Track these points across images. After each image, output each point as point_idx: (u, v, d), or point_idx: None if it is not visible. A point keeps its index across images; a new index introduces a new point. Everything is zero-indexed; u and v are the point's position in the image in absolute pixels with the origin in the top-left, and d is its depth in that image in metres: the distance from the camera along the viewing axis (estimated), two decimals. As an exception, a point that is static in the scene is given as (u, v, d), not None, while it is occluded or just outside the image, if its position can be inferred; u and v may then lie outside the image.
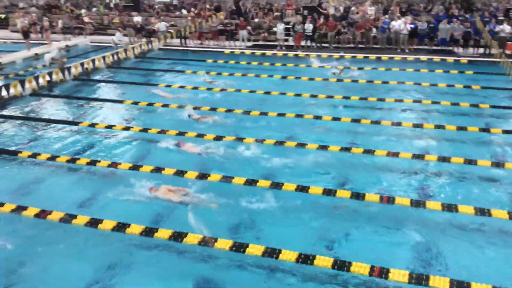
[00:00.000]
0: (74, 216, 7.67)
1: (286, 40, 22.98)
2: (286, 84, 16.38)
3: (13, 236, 7.41)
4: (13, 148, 10.84)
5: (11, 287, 6.28)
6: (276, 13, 26.25)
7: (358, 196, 8.25)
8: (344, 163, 9.95)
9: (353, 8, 24.72)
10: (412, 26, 21.29)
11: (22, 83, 14.88)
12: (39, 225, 7.68)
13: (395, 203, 8.02)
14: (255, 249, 6.66)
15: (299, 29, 22.39)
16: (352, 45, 22.47)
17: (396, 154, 10.00)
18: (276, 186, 8.61)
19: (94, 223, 7.50)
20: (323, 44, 22.51)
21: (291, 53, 21.33)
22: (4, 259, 6.88)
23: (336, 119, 12.47)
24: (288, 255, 6.50)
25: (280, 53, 21.50)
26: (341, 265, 6.28)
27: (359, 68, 18.20)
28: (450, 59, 19.79)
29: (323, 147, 10.43)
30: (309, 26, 22.24)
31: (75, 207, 8.19)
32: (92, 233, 7.37)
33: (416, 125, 11.93)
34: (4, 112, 13.81)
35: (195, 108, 13.40)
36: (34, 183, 9.28)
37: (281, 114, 12.85)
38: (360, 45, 22.29)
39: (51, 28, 25.22)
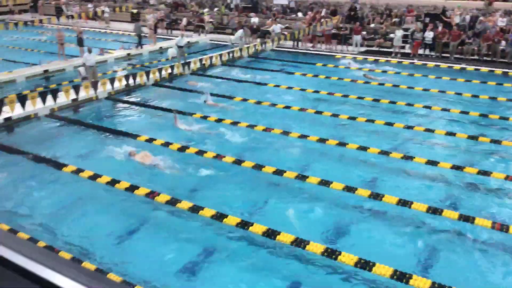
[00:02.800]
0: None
1: (403, 47, 22.03)
2: (397, 93, 15.72)
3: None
4: (133, 132, 11.91)
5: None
6: (394, 19, 25.28)
7: (467, 219, 7.65)
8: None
9: (481, 18, 22.82)
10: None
11: (147, 74, 16.25)
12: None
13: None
14: (347, 258, 6.52)
15: (418, 36, 21.31)
16: (476, 57, 20.77)
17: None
18: (376, 197, 8.33)
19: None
20: (443, 54, 21.14)
21: (406, 61, 20.39)
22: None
23: (451, 134, 11.66)
24: (383, 270, 6.27)
25: (394, 60, 20.67)
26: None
27: (482, 82, 16.79)
28: None
29: (433, 163, 9.84)
30: (429, 34, 21.04)
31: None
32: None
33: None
34: (129, 99, 15.28)
35: (301, 110, 13.52)
36: (149, 167, 10.09)
37: (389, 123, 12.37)
38: (485, 58, 20.52)
39: (175, 25, 27.13)
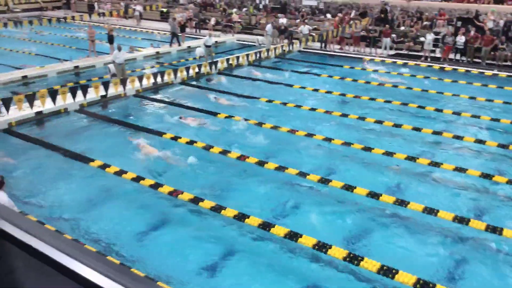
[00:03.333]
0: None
1: (433, 51, 21.59)
2: (426, 98, 15.42)
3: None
4: (158, 129, 12.06)
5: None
6: (425, 22, 24.81)
7: (495, 230, 7.44)
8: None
9: (516, 22, 22.15)
10: None
11: (175, 72, 16.43)
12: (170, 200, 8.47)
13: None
14: (369, 264, 6.44)
15: (449, 41, 20.85)
16: (509, 63, 20.17)
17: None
18: (401, 203, 8.19)
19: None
20: (474, 59, 20.62)
21: (436, 65, 19.98)
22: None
23: (480, 141, 11.38)
24: (406, 278, 6.15)
25: (424, 64, 20.28)
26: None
27: (515, 89, 16.34)
28: None
29: (461, 170, 9.61)
30: (461, 39, 20.56)
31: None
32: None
33: None
34: (156, 96, 15.50)
35: (326, 112, 13.44)
36: (173, 165, 10.20)
37: (416, 128, 12.14)
38: (519, 64, 19.91)
39: (204, 24, 27.32)
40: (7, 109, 11.98)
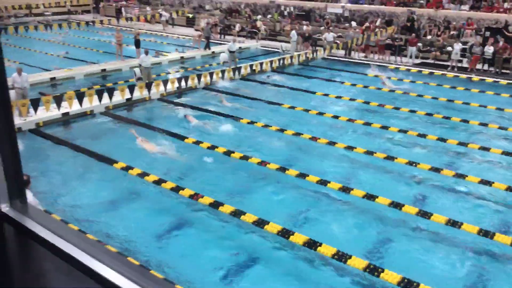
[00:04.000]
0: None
1: (460, 61, 21.22)
2: (452, 108, 15.14)
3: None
4: (180, 133, 12.17)
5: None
6: (452, 32, 24.43)
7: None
8: None
9: (548, 33, 21.58)
10: None
11: (199, 77, 16.58)
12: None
13: None
14: (390, 276, 6.32)
15: (477, 51, 20.45)
16: (540, 74, 19.66)
17: None
18: (424, 214, 8.04)
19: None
20: (503, 70, 20.17)
21: (463, 75, 19.62)
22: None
23: (508, 153, 11.08)
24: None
25: (451, 74, 19.95)
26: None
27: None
28: None
29: (487, 183, 9.38)
30: (489, 49, 20.14)
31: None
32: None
33: None
34: (180, 101, 15.66)
35: (349, 120, 13.33)
36: (194, 169, 10.26)
37: (441, 139, 11.93)
38: (550, 75, 19.37)
39: (229, 30, 27.54)
40: (35, 109, 12.30)
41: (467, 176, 9.65)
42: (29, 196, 6.80)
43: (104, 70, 19.19)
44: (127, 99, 14.55)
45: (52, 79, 17.54)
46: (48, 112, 12.73)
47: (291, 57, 21.41)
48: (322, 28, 26.52)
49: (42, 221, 1.26)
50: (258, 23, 29.09)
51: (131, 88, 14.30)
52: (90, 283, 1.05)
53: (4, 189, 1.28)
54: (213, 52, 23.83)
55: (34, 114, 12.43)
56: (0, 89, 1.21)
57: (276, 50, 24.77)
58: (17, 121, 12.12)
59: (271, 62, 20.13)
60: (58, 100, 12.65)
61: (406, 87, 17.88)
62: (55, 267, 1.13)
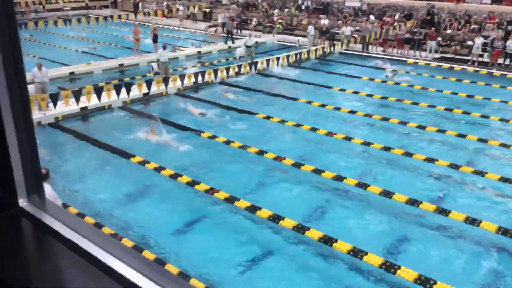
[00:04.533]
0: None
1: (481, 55, 20.78)
2: (472, 103, 14.86)
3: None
4: (197, 128, 12.21)
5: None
6: (473, 26, 23.93)
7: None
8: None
9: None
10: None
11: (215, 72, 16.60)
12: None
13: None
14: (406, 273, 6.26)
15: (498, 45, 20.00)
16: None
17: None
18: (442, 212, 7.92)
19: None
20: (526, 65, 19.70)
21: (484, 70, 19.22)
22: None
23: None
24: (444, 289, 5.95)
25: (471, 69, 19.56)
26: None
27: None
28: None
29: (507, 180, 9.19)
30: (511, 43, 19.68)
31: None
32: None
33: None
34: (196, 95, 15.71)
35: (366, 115, 13.21)
36: (210, 163, 10.29)
37: (461, 135, 11.73)
38: None
39: (245, 25, 27.47)
40: (55, 104, 12.47)
41: (486, 173, 9.49)
42: (48, 189, 6.90)
43: (122, 65, 19.36)
44: (145, 94, 14.65)
45: (71, 73, 17.78)
46: (67, 106, 12.91)
47: (308, 52, 21.26)
48: (340, 22, 26.24)
49: (60, 216, 1.27)
50: (276, 18, 28.95)
51: (149, 83, 14.40)
52: (107, 279, 1.05)
53: (22, 184, 1.29)
54: (229, 47, 23.81)
55: (54, 109, 12.61)
56: (19, 83, 1.22)
57: (293, 44, 24.63)
58: (37, 115, 12.34)
59: (288, 56, 20.02)
60: (77, 95, 12.81)
61: (424, 81, 17.60)
62: (72, 263, 1.13)
